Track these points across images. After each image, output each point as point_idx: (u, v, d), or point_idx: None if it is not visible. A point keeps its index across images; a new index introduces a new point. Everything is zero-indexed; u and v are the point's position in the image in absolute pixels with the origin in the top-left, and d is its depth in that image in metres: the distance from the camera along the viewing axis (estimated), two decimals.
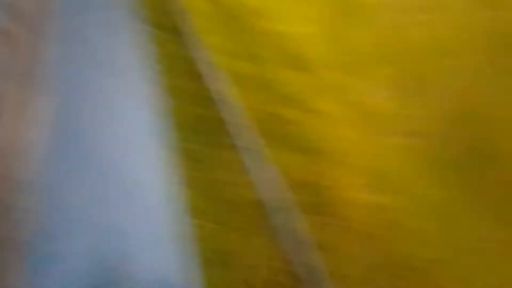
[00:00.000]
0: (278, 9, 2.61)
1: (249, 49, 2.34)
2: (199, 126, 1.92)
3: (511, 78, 1.96)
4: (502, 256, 1.24)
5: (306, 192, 1.58)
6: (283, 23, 2.49)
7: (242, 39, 2.43)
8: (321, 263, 1.30)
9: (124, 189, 1.30)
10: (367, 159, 1.70)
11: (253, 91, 2.06)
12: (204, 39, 2.37)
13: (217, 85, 2.04)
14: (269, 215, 1.49)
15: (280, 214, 1.45)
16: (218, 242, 1.42)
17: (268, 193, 1.53)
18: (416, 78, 2.05)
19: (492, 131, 1.76)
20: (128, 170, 1.39)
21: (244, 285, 1.21)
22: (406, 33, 2.32)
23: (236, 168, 1.71)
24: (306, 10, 2.56)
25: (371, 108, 1.93)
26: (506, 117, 1.82)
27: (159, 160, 1.70)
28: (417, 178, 1.61)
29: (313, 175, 1.64)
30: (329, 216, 1.48)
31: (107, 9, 2.12)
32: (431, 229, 1.42)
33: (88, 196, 1.17)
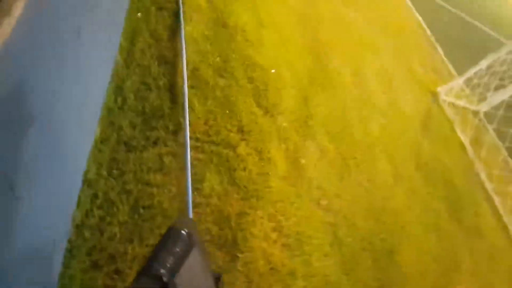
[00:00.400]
0: (269, 44, 2.65)
1: (227, 63, 2.27)
2: (145, 110, 1.74)
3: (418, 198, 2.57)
4: None
5: (223, 225, 1.61)
6: (268, 58, 2.53)
7: (224, 48, 2.35)
8: None
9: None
10: (288, 218, 1.84)
11: (212, 105, 1.99)
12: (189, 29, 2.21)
13: (182, 85, 1.90)
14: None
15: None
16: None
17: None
18: (352, 163, 2.37)
19: (391, 233, 2.18)
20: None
21: None
22: (359, 123, 2.69)
23: (158, 168, 1.62)
24: (291, 61, 2.69)
25: (308, 171, 2.11)
26: (407, 229, 2.32)
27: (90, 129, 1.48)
28: (320, 251, 1.84)
29: (236, 212, 1.68)
30: (232, 256, 1.54)
31: None
32: None
33: None
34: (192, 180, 1.62)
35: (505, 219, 3.14)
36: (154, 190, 1.57)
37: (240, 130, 2.02)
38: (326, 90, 2.73)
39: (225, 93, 2.15)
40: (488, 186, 3.30)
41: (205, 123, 1.93)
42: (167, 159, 1.69)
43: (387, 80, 3.43)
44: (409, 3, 5.77)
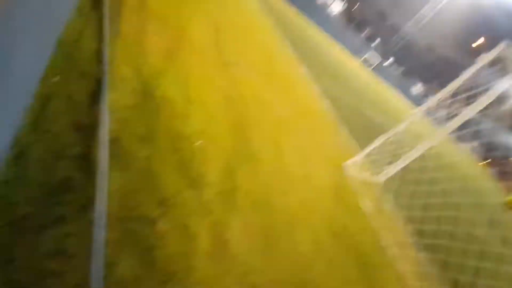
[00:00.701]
0: (195, 117, 2.75)
1: (152, 133, 2.24)
2: (50, 182, 1.53)
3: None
4: None
5: None
6: (194, 131, 2.59)
7: (149, 119, 2.34)
8: None
9: None
10: None
11: (132, 177, 1.88)
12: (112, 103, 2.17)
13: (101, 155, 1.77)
14: None
15: None
16: None
17: None
18: (275, 236, 2.40)
19: None
20: None
21: None
22: (280, 195, 2.83)
23: (58, 252, 1.38)
24: (217, 135, 2.81)
25: (232, 246, 2.05)
26: None
27: None
28: None
29: None
30: None
31: None
32: None
33: None
34: (101, 264, 1.41)
35: (408, 282, 3.46)
36: (49, 280, 1.30)
37: (162, 204, 1.91)
38: (249, 164, 2.86)
39: (148, 164, 2.07)
40: (391, 251, 3.67)
41: (123, 197, 1.78)
42: (70, 241, 1.45)
43: (303, 155, 3.79)
44: (317, 90, 6.81)
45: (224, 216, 2.21)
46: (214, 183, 2.38)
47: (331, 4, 23.13)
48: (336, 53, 17.28)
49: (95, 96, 2.22)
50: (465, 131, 4.62)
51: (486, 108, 4.31)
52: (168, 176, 2.12)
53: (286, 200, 2.87)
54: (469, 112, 4.29)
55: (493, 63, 4.07)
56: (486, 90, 4.21)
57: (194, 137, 2.59)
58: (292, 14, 15.62)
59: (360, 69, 20.46)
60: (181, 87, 3.03)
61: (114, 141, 1.99)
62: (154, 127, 2.37)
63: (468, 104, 4.35)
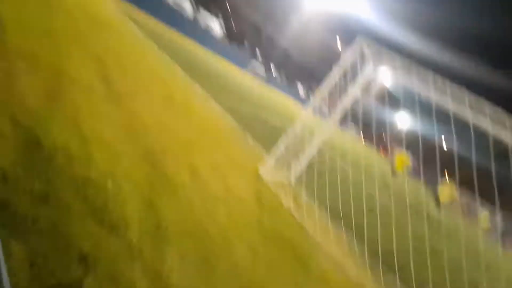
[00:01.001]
0: (99, 159, 2.51)
1: (50, 186, 1.95)
2: None
3: None
4: None
5: None
6: (101, 173, 2.37)
7: (43, 171, 2.03)
8: None
9: None
10: None
11: (37, 242, 1.60)
12: None
13: None
14: None
15: None
16: None
17: None
18: (213, 259, 2.37)
19: None
20: None
21: None
22: (207, 216, 2.80)
23: None
24: (127, 171, 2.62)
25: (173, 281, 1.94)
26: None
27: None
28: None
29: None
30: None
31: None
32: None
33: None
34: None
35: (336, 259, 3.87)
36: None
37: (83, 260, 1.69)
38: (168, 193, 2.76)
39: (54, 221, 1.80)
40: (318, 238, 4.05)
41: (31, 266, 1.51)
42: None
43: (219, 171, 3.86)
44: (216, 106, 7.01)
45: (156, 253, 2.09)
46: (137, 222, 2.22)
47: (213, 27, 24.31)
48: (226, 68, 18.10)
49: None
50: (346, 119, 5.48)
51: (360, 94, 5.20)
52: (81, 229, 1.89)
53: (214, 218, 2.88)
54: (345, 102, 5.12)
55: (354, 57, 4.93)
56: (355, 80, 5.09)
57: (103, 180, 2.38)
58: (177, 37, 15.72)
59: (250, 80, 21.89)
60: (73, 129, 2.73)
61: (3, 208, 1.67)
62: (51, 179, 2.08)
63: (342, 96, 5.18)
